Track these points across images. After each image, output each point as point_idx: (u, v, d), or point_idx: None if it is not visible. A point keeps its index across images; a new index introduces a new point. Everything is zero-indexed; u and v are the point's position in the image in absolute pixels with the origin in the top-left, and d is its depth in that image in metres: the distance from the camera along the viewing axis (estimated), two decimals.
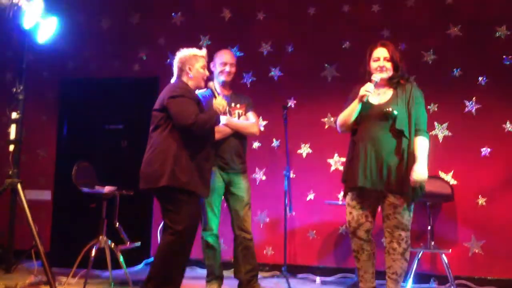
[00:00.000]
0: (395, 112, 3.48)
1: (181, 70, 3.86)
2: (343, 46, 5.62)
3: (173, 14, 6.11)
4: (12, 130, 4.11)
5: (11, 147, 4.13)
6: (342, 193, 5.25)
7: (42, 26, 4.06)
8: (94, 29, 6.28)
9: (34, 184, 6.08)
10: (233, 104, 4.27)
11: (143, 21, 6.21)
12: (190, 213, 3.64)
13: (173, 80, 3.91)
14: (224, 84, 4.31)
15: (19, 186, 4.02)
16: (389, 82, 3.65)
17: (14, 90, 4.10)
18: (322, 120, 5.60)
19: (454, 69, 5.31)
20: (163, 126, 3.69)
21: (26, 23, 3.82)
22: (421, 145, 3.51)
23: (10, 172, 4.09)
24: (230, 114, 4.23)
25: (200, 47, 5.78)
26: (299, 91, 5.70)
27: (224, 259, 4.57)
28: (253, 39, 5.87)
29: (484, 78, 5.25)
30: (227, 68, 4.28)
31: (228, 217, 4.34)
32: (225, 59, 4.30)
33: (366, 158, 3.51)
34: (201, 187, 3.69)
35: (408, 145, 3.50)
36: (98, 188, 4.68)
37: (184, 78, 3.85)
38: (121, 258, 4.58)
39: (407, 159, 3.48)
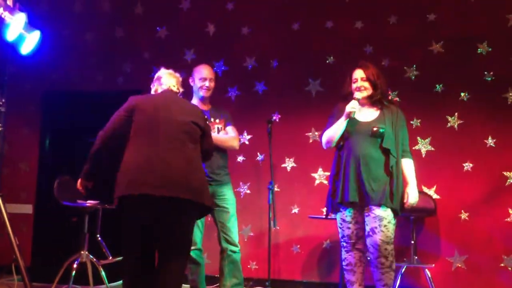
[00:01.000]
0: (382, 130, 3.63)
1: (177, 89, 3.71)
2: (327, 61, 5.66)
3: (157, 28, 6.12)
4: None
5: None
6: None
7: (25, 38, 4.03)
8: (78, 42, 6.26)
9: (15, 198, 6.01)
10: (212, 119, 4.26)
11: (127, 35, 6.21)
12: None
13: (173, 89, 3.68)
14: (203, 100, 4.30)
15: (0, 200, 3.97)
16: (372, 101, 3.81)
17: None
18: (307, 134, 5.62)
19: (437, 85, 5.37)
20: (198, 143, 3.40)
21: (9, 36, 3.79)
22: (410, 168, 3.74)
23: None
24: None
25: (185, 61, 5.82)
26: (284, 105, 5.72)
27: (208, 273, 4.54)
28: (237, 53, 5.89)
29: (466, 94, 5.31)
30: (207, 83, 4.26)
31: (212, 231, 4.30)
32: (204, 74, 4.27)
33: (355, 173, 3.63)
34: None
35: (395, 162, 3.66)
36: (80, 202, 4.63)
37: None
38: (102, 273, 4.53)
39: (396, 175, 3.65)
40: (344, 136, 3.75)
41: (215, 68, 5.88)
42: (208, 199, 3.29)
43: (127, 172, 3.26)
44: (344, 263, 3.78)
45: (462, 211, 5.20)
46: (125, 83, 6.13)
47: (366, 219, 3.64)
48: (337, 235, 5.04)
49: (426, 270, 4.87)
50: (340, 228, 3.76)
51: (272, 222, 4.69)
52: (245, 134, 5.69)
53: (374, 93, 3.79)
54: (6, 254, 4.13)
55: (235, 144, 4.28)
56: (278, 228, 5.11)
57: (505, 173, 5.15)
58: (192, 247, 4.02)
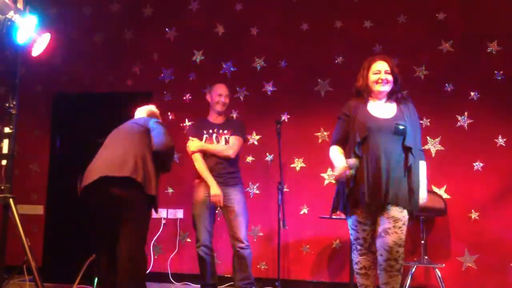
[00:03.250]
0: (404, 128, 3.46)
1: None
2: (336, 61, 5.66)
3: (166, 29, 6.14)
4: (5, 145, 4.09)
5: (4, 162, 4.11)
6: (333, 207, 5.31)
7: (36, 41, 4.06)
8: (88, 44, 6.30)
9: (26, 199, 6.06)
10: (221, 131, 4.66)
11: (136, 36, 6.24)
12: None
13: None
14: (219, 113, 4.73)
15: (11, 201, 4.00)
16: (389, 96, 3.62)
17: (7, 104, 4.09)
18: (316, 134, 5.62)
19: (446, 84, 5.35)
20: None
21: (20, 38, 3.82)
22: (423, 170, 3.55)
23: (2, 187, 4.06)
24: (218, 140, 4.62)
25: (194, 62, 5.85)
26: (293, 105, 5.72)
27: (218, 273, 4.59)
28: (246, 54, 5.90)
29: (476, 93, 5.30)
30: (222, 99, 4.70)
31: (222, 232, 4.39)
32: (221, 91, 4.72)
33: (376, 172, 3.40)
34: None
35: (413, 163, 3.46)
36: None
37: None
38: None
39: (412, 176, 3.45)
40: (364, 134, 3.48)
41: (223, 69, 5.90)
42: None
43: None
44: (357, 267, 3.58)
45: (473, 210, 5.18)
46: (135, 85, 6.15)
47: (379, 219, 3.45)
48: (346, 235, 5.05)
49: (437, 269, 4.86)
50: (354, 230, 3.55)
51: (281, 223, 4.71)
52: (254, 134, 5.70)
53: (395, 88, 3.60)
54: (18, 255, 4.17)
55: (229, 153, 4.57)
56: (287, 228, 5.11)
57: None
58: (198, 244, 4.47)
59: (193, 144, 4.61)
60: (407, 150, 3.46)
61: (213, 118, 4.73)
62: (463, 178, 5.23)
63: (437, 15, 5.46)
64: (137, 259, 3.57)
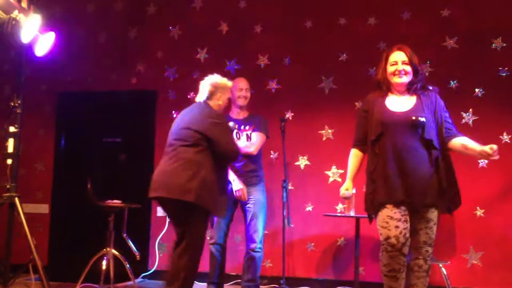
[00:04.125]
0: (422, 120, 3.22)
1: (211, 94, 4.02)
2: (340, 59, 5.65)
3: (170, 27, 6.14)
4: (10, 144, 4.12)
5: (9, 161, 4.13)
6: (340, 205, 5.31)
7: (40, 40, 4.07)
8: (92, 42, 6.30)
9: (31, 198, 6.08)
10: (242, 127, 4.59)
11: (140, 35, 6.24)
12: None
13: (198, 99, 4.08)
14: (241, 108, 4.67)
15: (17, 200, 4.02)
16: (409, 88, 3.39)
17: (12, 104, 4.11)
18: (320, 132, 5.61)
19: (451, 81, 5.34)
20: (201, 146, 3.74)
21: (24, 38, 3.84)
22: (468, 139, 3.31)
23: (8, 186, 4.08)
24: (239, 136, 4.53)
25: (198, 60, 5.85)
26: (297, 103, 5.71)
27: (226, 271, 4.62)
28: (250, 52, 5.89)
29: (481, 90, 5.28)
30: (243, 93, 4.63)
31: (232, 229, 4.45)
32: (241, 85, 4.65)
33: (398, 169, 3.22)
34: (219, 208, 3.85)
35: (438, 156, 3.29)
36: (108, 202, 4.70)
37: (211, 103, 4.01)
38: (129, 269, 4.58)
39: (440, 171, 3.28)
40: (378, 130, 3.31)
41: (228, 67, 5.90)
42: (196, 196, 3.59)
43: None
44: (385, 269, 3.25)
45: (478, 207, 5.17)
46: (139, 83, 6.16)
47: (411, 219, 3.26)
48: (351, 233, 5.05)
49: (442, 266, 4.85)
50: (385, 228, 3.23)
51: (286, 220, 4.71)
52: None
53: (415, 79, 3.37)
54: (24, 254, 4.18)
55: (250, 150, 4.49)
56: (292, 226, 5.12)
57: None
58: (211, 241, 4.45)
59: None
60: (428, 144, 3.25)
61: (235, 113, 4.67)
62: (468, 175, 5.20)
63: (441, 11, 5.44)
64: None
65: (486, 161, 5.17)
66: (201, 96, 4.03)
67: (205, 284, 4.65)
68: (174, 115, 5.87)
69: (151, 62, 6.16)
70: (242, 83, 4.67)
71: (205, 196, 3.64)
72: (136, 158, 6.04)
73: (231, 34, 6.00)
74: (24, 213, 4.02)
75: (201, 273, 5.28)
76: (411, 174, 3.21)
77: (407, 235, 3.22)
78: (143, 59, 6.18)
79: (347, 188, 3.47)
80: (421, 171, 3.22)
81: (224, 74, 5.74)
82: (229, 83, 4.11)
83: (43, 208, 6.17)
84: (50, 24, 4.26)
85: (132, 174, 5.94)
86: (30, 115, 5.61)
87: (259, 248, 4.46)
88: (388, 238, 3.21)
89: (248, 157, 4.49)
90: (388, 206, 3.24)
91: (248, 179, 4.48)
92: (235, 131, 4.50)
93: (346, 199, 3.47)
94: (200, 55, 6.03)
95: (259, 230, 4.47)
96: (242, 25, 5.97)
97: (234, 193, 4.38)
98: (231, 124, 4.26)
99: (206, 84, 4.03)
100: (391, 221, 3.21)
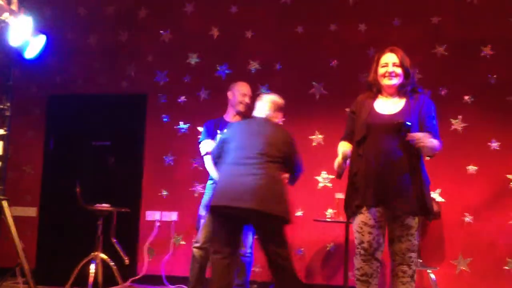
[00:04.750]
0: (408, 123, 3.12)
1: (273, 112, 4.07)
2: (330, 64, 5.67)
3: (161, 31, 6.13)
4: None
5: None
6: (330, 210, 5.32)
7: (30, 42, 4.05)
8: (82, 45, 6.28)
9: (20, 201, 6.03)
10: None
11: (131, 38, 6.23)
12: None
13: (259, 114, 4.05)
14: (239, 113, 4.57)
15: (5, 203, 3.98)
16: (400, 91, 3.33)
17: (1, 106, 4.08)
18: (310, 137, 5.62)
19: (440, 88, 5.37)
20: (281, 164, 3.80)
21: (14, 40, 3.81)
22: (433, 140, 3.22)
23: None
24: None
25: (188, 65, 5.85)
26: (287, 108, 5.64)
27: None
28: (241, 57, 5.90)
29: (470, 97, 5.32)
30: (246, 99, 4.57)
31: None
32: (245, 91, 4.59)
33: (378, 172, 3.18)
34: None
35: (421, 160, 3.24)
36: (99, 205, 4.67)
37: (272, 119, 4.08)
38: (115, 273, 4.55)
39: (416, 181, 3.21)
40: (363, 132, 3.27)
41: (218, 72, 5.90)
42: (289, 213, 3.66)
43: None
44: (358, 273, 3.30)
45: (466, 214, 5.20)
46: (129, 87, 6.14)
47: (391, 225, 3.22)
48: (341, 238, 5.06)
49: (430, 273, 4.87)
50: (359, 232, 3.27)
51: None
52: None
53: (406, 82, 3.30)
54: (11, 257, 4.15)
55: None
56: None
57: (509, 176, 5.15)
58: (196, 244, 4.34)
59: (206, 145, 4.44)
60: (411, 148, 3.16)
61: (231, 116, 4.57)
62: (457, 181, 5.25)
63: (431, 19, 5.48)
64: None
65: (475, 168, 5.21)
66: (263, 112, 4.04)
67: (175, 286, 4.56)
68: (164, 119, 5.91)
69: (141, 65, 6.14)
70: (246, 88, 4.62)
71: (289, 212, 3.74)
72: (126, 162, 6.03)
73: (222, 39, 6.00)
74: (12, 216, 3.98)
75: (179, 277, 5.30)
76: (391, 179, 3.17)
77: (381, 240, 3.26)
78: (134, 63, 6.17)
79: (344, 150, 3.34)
80: (400, 176, 3.17)
81: (215, 79, 5.82)
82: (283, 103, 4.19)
83: (31, 211, 6.13)
84: (40, 26, 4.24)
85: (122, 178, 5.93)
86: (20, 118, 5.57)
87: (249, 253, 4.42)
88: (361, 242, 3.26)
89: None
90: (363, 211, 3.25)
91: None
92: None
93: (345, 158, 3.28)
94: (190, 59, 6.02)
95: (248, 235, 4.43)
96: (233, 30, 5.98)
97: None
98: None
99: (268, 101, 4.08)
100: (365, 227, 3.24)
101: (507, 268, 5.07)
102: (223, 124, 4.49)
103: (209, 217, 4.02)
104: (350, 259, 4.90)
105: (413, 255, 3.22)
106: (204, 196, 4.53)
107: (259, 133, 3.85)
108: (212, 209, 3.72)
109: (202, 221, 4.40)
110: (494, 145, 5.22)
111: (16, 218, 4.01)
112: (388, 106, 3.32)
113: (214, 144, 4.33)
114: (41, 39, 4.02)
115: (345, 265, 4.87)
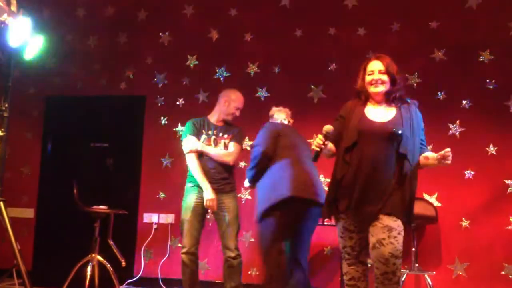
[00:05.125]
0: (399, 133, 3.15)
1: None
2: (329, 68, 5.68)
3: (160, 33, 6.14)
4: None
5: None
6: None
7: (29, 43, 4.05)
8: (81, 47, 6.28)
9: (17, 202, 6.03)
10: (220, 134, 4.52)
11: (130, 40, 6.23)
12: None
13: (285, 121, 4.41)
14: (225, 121, 4.58)
15: (2, 204, 3.98)
16: (387, 99, 3.32)
17: None
18: (308, 140, 5.61)
19: (438, 93, 5.38)
20: None
21: (13, 41, 3.81)
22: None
23: None
24: (216, 143, 4.46)
25: (187, 67, 5.84)
26: None
27: (208, 279, 4.56)
28: (240, 59, 5.90)
29: (468, 102, 5.33)
30: (237, 113, 4.58)
31: (213, 238, 4.36)
32: (240, 105, 4.59)
33: (365, 178, 3.16)
34: None
35: (408, 170, 3.19)
36: (95, 207, 4.66)
37: None
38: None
39: (406, 185, 3.19)
40: (354, 137, 3.23)
41: (217, 74, 5.91)
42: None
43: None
44: (346, 278, 3.33)
45: (463, 218, 5.20)
46: (128, 88, 6.14)
47: (372, 229, 3.16)
48: (337, 242, 5.05)
49: (427, 277, 4.87)
50: (341, 237, 3.31)
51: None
52: (247, 140, 5.69)
53: (392, 89, 3.29)
54: (8, 258, 4.14)
55: (228, 159, 4.45)
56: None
57: (506, 181, 5.16)
58: (183, 250, 4.34)
59: (191, 143, 4.42)
60: (402, 157, 3.18)
61: (216, 120, 4.56)
62: (454, 186, 5.25)
63: (430, 23, 5.49)
64: None
65: (473, 173, 5.21)
66: (287, 120, 4.42)
67: None
68: (163, 121, 5.91)
69: (140, 67, 6.15)
70: (241, 103, 4.60)
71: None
72: (124, 163, 6.03)
73: (221, 42, 6.01)
74: (9, 218, 3.97)
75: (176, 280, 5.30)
76: (376, 185, 3.16)
77: (363, 243, 3.27)
78: (133, 65, 6.17)
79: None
80: (386, 183, 3.16)
81: (213, 81, 5.82)
82: None
83: (28, 213, 6.12)
84: (39, 28, 4.24)
85: (119, 180, 5.92)
86: (18, 119, 5.58)
87: (238, 254, 4.39)
88: (344, 247, 3.32)
89: (223, 165, 4.43)
90: (344, 217, 3.27)
91: (221, 187, 4.40)
92: (213, 137, 4.47)
93: (328, 134, 3.14)
94: (189, 61, 6.03)
95: (236, 236, 4.41)
96: (232, 32, 5.99)
97: (205, 202, 4.31)
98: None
99: (285, 111, 4.43)
100: (346, 232, 3.29)
101: (503, 273, 5.07)
102: (208, 125, 4.51)
103: (275, 213, 3.81)
104: None
105: (398, 262, 3.11)
106: (184, 199, 4.48)
107: (297, 135, 4.18)
108: (291, 200, 3.70)
109: (185, 225, 4.37)
110: (492, 150, 5.23)
111: (13, 220, 4.00)
112: (379, 113, 3.31)
113: (198, 142, 4.39)
114: (40, 40, 4.02)
115: (342, 269, 4.85)
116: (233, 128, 4.62)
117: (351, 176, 3.21)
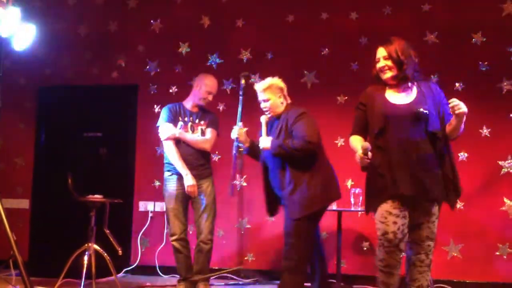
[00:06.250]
0: (426, 112, 3.17)
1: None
2: (322, 53, 5.66)
3: (151, 21, 6.10)
4: None
5: None
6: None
7: (20, 33, 4.02)
8: (72, 36, 6.23)
9: (11, 193, 6.02)
10: (197, 121, 4.60)
11: (121, 28, 6.18)
12: None
13: None
14: (198, 106, 4.64)
15: None
16: (401, 81, 3.30)
17: None
18: None
19: (431, 75, 5.38)
20: None
21: (3, 31, 3.78)
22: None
23: None
24: (193, 130, 4.54)
25: (179, 54, 5.81)
26: None
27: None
28: (232, 46, 5.88)
29: (461, 84, 5.33)
30: (210, 98, 4.62)
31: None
32: (211, 89, 4.61)
33: (403, 162, 3.14)
34: None
35: (443, 148, 3.22)
36: (91, 197, 4.65)
37: None
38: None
39: (445, 164, 3.23)
40: (380, 123, 3.23)
41: (210, 61, 5.89)
42: None
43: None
44: (381, 264, 3.22)
45: (458, 200, 5.22)
46: (120, 77, 6.11)
47: (413, 213, 3.21)
48: (333, 227, 5.08)
49: None
50: (383, 223, 3.17)
51: (229, 189, 4.57)
52: (241, 125, 5.67)
53: (401, 72, 3.27)
54: (4, 250, 4.14)
55: (206, 146, 4.58)
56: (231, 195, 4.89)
57: (499, 162, 5.19)
58: (173, 237, 4.47)
59: (169, 129, 4.48)
60: (432, 136, 3.19)
61: (190, 106, 4.63)
62: None
63: (422, 6, 5.48)
64: None
65: (466, 155, 5.24)
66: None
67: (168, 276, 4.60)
68: (156, 109, 5.89)
69: (132, 56, 6.11)
70: (214, 87, 4.65)
71: None
72: (118, 152, 6.01)
73: (213, 28, 5.98)
74: (4, 209, 3.97)
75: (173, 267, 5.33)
76: (416, 168, 3.14)
77: (405, 231, 3.19)
78: (124, 53, 6.13)
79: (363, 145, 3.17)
80: (426, 164, 3.16)
81: (206, 69, 5.79)
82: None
83: (24, 203, 6.11)
84: (29, 17, 4.21)
85: (114, 169, 5.91)
86: (10, 110, 5.54)
87: (210, 239, 4.48)
88: (385, 233, 3.16)
89: (200, 151, 4.52)
90: (388, 201, 3.18)
91: (200, 172, 4.49)
92: (189, 123, 4.52)
93: (365, 151, 3.10)
94: (181, 49, 6.00)
95: (211, 221, 4.50)
96: (224, 19, 5.95)
97: (186, 188, 4.38)
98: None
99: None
100: (390, 217, 3.16)
101: (498, 253, 5.11)
102: (184, 112, 4.57)
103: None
104: (343, 248, 4.96)
105: (432, 243, 3.24)
106: (165, 187, 4.55)
107: None
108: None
109: (170, 213, 4.48)
110: (485, 131, 5.25)
111: (8, 210, 3.99)
112: (400, 96, 3.30)
113: (175, 129, 4.43)
114: (30, 30, 3.99)
115: (338, 254, 4.90)
116: (209, 114, 4.69)
117: (387, 161, 3.19)
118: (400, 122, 3.19)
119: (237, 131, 4.05)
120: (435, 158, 3.19)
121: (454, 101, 3.10)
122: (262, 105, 4.14)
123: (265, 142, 3.96)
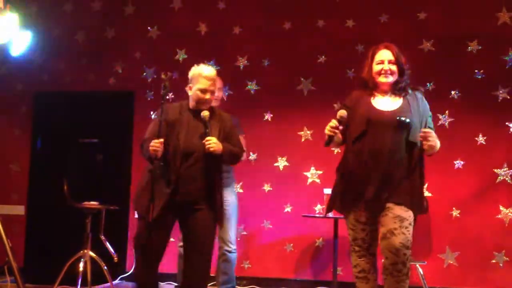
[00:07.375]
0: (408, 121, 3.12)
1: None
2: (318, 60, 5.68)
3: (149, 28, 6.11)
4: None
5: None
6: (319, 206, 5.34)
7: (17, 39, 4.03)
8: (69, 42, 6.23)
9: (7, 199, 6.00)
10: None
11: (118, 35, 6.19)
12: None
13: None
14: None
15: None
16: (394, 88, 3.28)
17: None
18: (299, 133, 5.63)
19: (427, 83, 5.40)
20: None
21: (0, 37, 3.79)
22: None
23: None
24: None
25: (176, 61, 5.81)
26: (276, 104, 5.73)
27: None
28: (229, 53, 5.89)
29: (457, 92, 5.35)
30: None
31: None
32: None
33: (376, 169, 3.12)
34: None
35: (419, 159, 3.19)
36: (87, 203, 4.64)
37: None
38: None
39: (419, 171, 3.20)
40: (362, 127, 3.18)
41: None
42: None
43: None
44: (355, 270, 3.29)
45: (454, 208, 5.24)
46: (117, 84, 6.11)
47: (383, 219, 3.13)
48: (330, 234, 5.08)
49: (418, 266, 4.90)
50: (352, 230, 3.26)
51: None
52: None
53: (400, 80, 3.26)
54: None
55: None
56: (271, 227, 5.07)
57: (495, 170, 5.20)
58: (180, 243, 4.23)
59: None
60: (411, 146, 3.15)
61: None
62: (444, 176, 5.28)
63: (418, 14, 5.50)
64: None
65: (462, 162, 5.25)
66: None
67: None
68: (152, 116, 5.89)
69: (129, 62, 6.11)
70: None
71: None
72: (114, 159, 6.00)
73: (210, 35, 5.99)
74: (0, 215, 3.96)
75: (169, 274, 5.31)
76: (386, 175, 3.11)
77: (374, 235, 3.22)
78: (121, 59, 6.13)
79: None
80: (396, 172, 3.12)
81: None
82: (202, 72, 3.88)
83: (19, 210, 6.09)
84: (26, 23, 4.21)
85: (110, 176, 5.89)
86: (6, 115, 5.54)
87: (234, 249, 4.43)
88: (355, 239, 3.26)
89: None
90: (355, 209, 3.21)
91: (223, 180, 4.28)
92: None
93: (342, 119, 3.11)
94: (179, 56, 6.01)
95: (234, 230, 4.45)
96: (221, 26, 5.96)
97: None
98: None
99: None
100: (358, 224, 3.23)
101: (494, 261, 5.12)
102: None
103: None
104: (340, 254, 4.95)
105: (408, 252, 3.10)
106: None
107: None
108: None
109: None
110: (481, 139, 5.26)
111: (3, 217, 3.98)
112: (386, 103, 3.27)
113: None
114: (27, 36, 3.99)
115: (334, 260, 4.89)
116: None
117: (361, 167, 3.16)
118: (382, 128, 3.15)
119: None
120: (407, 167, 3.15)
121: (426, 132, 3.10)
122: (208, 95, 3.66)
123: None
